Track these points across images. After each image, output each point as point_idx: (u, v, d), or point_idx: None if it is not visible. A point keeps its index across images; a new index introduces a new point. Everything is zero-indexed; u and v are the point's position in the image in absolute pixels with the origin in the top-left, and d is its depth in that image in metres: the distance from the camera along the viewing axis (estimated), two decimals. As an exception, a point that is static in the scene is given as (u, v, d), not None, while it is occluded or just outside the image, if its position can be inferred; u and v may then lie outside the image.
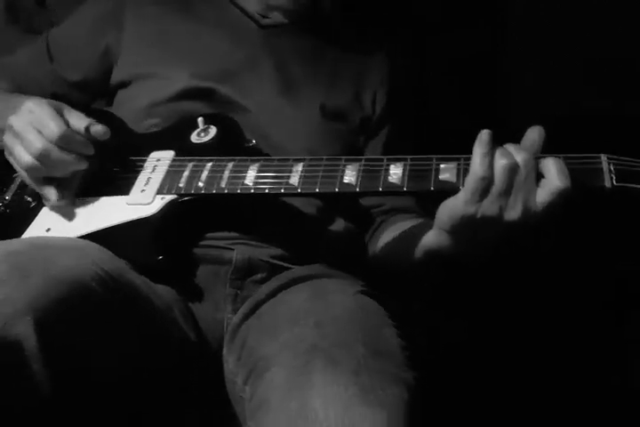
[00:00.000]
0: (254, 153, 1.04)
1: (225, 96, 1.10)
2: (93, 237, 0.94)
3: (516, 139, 0.88)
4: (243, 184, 0.94)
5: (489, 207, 0.80)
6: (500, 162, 0.80)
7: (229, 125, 1.06)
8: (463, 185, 0.83)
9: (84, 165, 0.97)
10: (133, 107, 1.13)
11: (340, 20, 1.30)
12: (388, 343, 0.84)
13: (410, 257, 1.01)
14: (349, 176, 0.90)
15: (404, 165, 0.89)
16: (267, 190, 0.92)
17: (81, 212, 1.00)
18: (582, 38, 1.59)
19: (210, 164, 0.98)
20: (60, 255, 0.79)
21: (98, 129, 0.96)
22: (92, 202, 1.00)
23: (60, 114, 0.96)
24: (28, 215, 1.02)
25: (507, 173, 0.79)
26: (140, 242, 0.94)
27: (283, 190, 0.92)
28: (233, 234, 1.01)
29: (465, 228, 0.85)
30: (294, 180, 0.92)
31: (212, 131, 1.05)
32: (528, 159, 0.80)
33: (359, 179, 0.89)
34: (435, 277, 1.14)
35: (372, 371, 0.75)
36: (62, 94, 1.21)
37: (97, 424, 0.79)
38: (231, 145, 1.04)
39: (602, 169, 0.80)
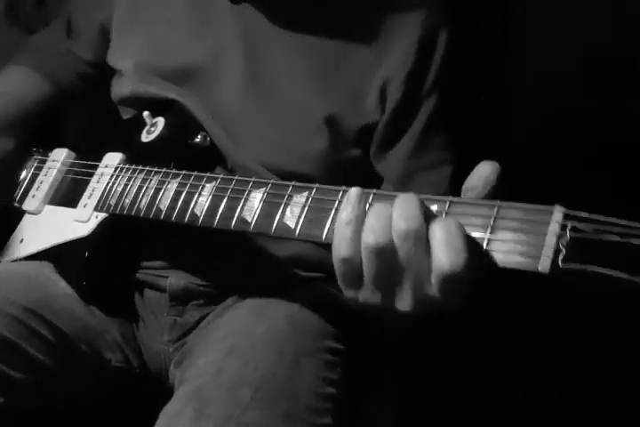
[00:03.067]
0: (201, 151, 0.88)
1: (175, 104, 0.91)
2: (44, 254, 0.92)
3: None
4: (157, 208, 0.80)
5: (368, 297, 0.56)
6: (365, 240, 0.54)
7: (178, 112, 0.91)
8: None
9: None
10: (112, 95, 1.02)
11: None
12: (297, 380, 0.70)
13: None
14: (249, 210, 0.70)
15: (306, 199, 0.65)
16: (173, 219, 0.77)
17: (46, 223, 0.96)
18: (584, 37, 1.49)
19: (141, 176, 0.85)
20: None
21: None
22: (55, 212, 0.96)
23: None
24: (11, 224, 1.02)
25: (375, 257, 0.53)
26: (72, 263, 0.89)
27: (186, 221, 0.76)
28: (167, 258, 0.89)
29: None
30: (199, 207, 0.75)
31: (160, 124, 0.91)
32: (411, 230, 0.52)
33: (256, 214, 0.69)
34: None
35: None
36: (85, 73, 1.12)
37: None
38: (178, 142, 0.89)
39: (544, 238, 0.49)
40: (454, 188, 0.84)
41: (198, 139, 0.89)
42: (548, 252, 0.48)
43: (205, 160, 0.90)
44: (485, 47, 1.52)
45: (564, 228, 0.48)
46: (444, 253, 0.50)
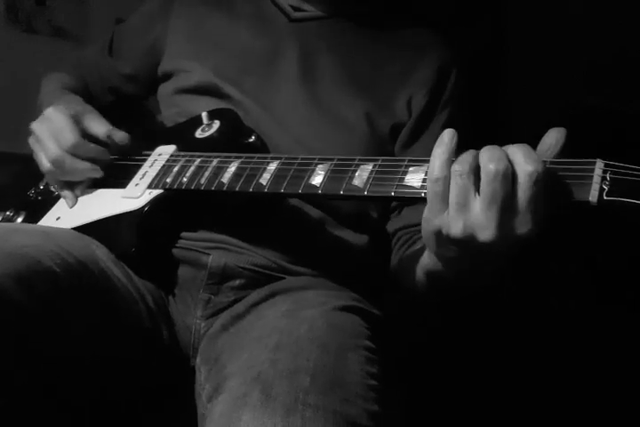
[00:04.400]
0: (253, 149, 0.99)
1: (233, 95, 1.07)
2: (88, 227, 0.97)
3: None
4: (219, 182, 0.89)
5: (452, 221, 0.67)
6: (455, 165, 0.67)
7: (232, 119, 1.03)
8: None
9: (97, 174, 1.00)
10: (162, 98, 1.15)
11: (384, 13, 1.19)
12: (345, 371, 0.75)
13: (414, 279, 0.92)
14: (317, 177, 0.81)
15: (374, 166, 0.78)
16: (237, 189, 0.87)
17: (85, 203, 1.02)
18: (582, 39, 1.53)
19: (199, 159, 0.95)
20: (19, 236, 0.82)
21: (118, 136, 1.01)
22: (97, 193, 1.02)
23: (79, 121, 1.00)
24: (51, 203, 1.08)
25: (463, 179, 0.66)
26: (121, 233, 0.94)
27: (251, 189, 0.86)
28: (214, 236, 0.97)
29: (440, 247, 0.73)
30: (264, 179, 0.86)
31: (215, 126, 1.03)
32: (499, 169, 0.64)
33: (325, 180, 0.80)
34: (440, 302, 1.00)
35: (308, 409, 0.67)
36: (118, 87, 1.25)
37: (60, 415, 0.80)
38: (231, 140, 1.01)
39: (591, 178, 0.63)
40: None
41: (252, 139, 1.01)
42: (595, 187, 0.62)
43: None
44: (486, 47, 1.61)
45: (605, 172, 0.63)
46: (525, 161, 0.64)
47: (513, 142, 0.69)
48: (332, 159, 0.83)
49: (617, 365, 1.43)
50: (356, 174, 0.78)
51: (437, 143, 0.70)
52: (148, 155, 1.03)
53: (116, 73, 1.25)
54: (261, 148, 1.01)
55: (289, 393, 0.68)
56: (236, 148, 0.97)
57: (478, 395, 1.36)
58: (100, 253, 0.92)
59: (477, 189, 0.66)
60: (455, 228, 0.67)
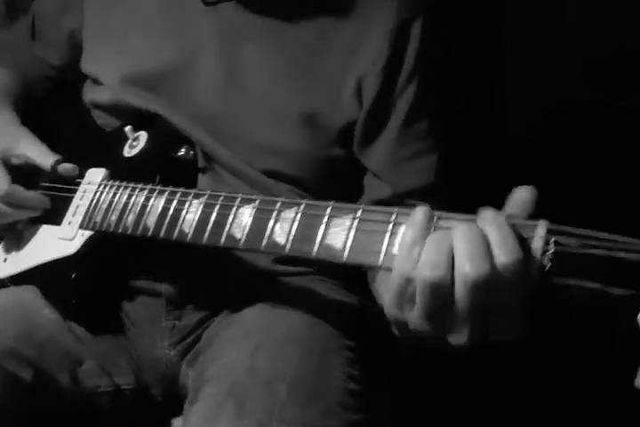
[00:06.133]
0: (185, 164, 0.89)
1: (149, 107, 0.92)
2: (28, 274, 0.92)
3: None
4: (144, 225, 0.79)
5: (418, 323, 0.55)
6: (421, 272, 0.52)
7: (160, 130, 0.91)
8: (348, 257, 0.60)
9: (28, 215, 0.92)
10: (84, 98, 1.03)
11: None
12: (326, 377, 0.73)
13: None
14: (238, 228, 0.71)
15: (295, 214, 0.67)
16: (161, 235, 0.78)
17: (29, 242, 0.95)
18: (580, 34, 1.51)
19: (127, 192, 0.85)
20: None
21: (65, 168, 0.91)
22: (38, 230, 0.95)
23: (8, 159, 0.91)
24: None
25: (429, 290, 0.52)
26: (58, 284, 0.88)
27: (174, 238, 0.76)
28: (160, 269, 0.89)
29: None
30: (187, 224, 0.75)
31: (142, 140, 0.91)
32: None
33: (246, 232, 0.70)
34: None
35: (283, 425, 0.65)
36: (53, 76, 1.11)
37: None
38: (162, 156, 0.90)
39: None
40: (442, 174, 0.89)
41: (182, 152, 0.90)
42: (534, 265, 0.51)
43: (191, 172, 0.91)
44: (482, 42, 1.53)
45: (548, 242, 0.51)
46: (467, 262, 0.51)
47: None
48: (253, 200, 0.71)
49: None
50: (277, 228, 0.67)
51: (409, 222, 0.55)
52: (79, 183, 0.94)
53: (47, 64, 1.11)
54: (192, 160, 0.90)
55: (264, 407, 0.67)
56: (169, 163, 0.88)
57: (477, 394, 1.33)
58: (38, 318, 0.88)
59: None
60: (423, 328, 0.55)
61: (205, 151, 0.91)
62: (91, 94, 0.99)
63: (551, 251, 0.50)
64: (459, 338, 0.53)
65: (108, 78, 0.95)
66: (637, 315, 0.47)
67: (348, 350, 0.78)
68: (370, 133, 0.88)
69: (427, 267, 0.52)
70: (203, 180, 0.90)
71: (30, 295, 0.90)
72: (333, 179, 0.89)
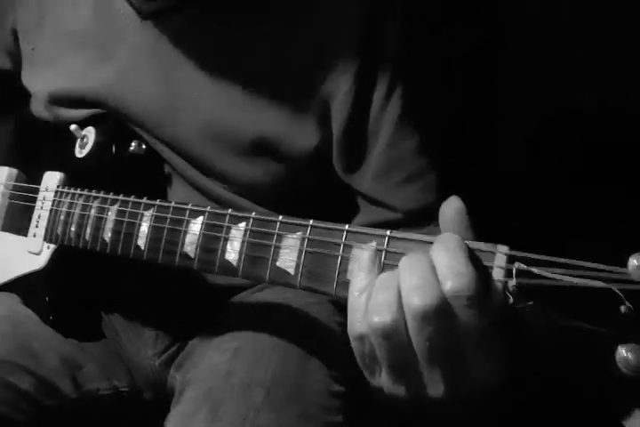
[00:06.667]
0: (139, 158, 0.83)
1: (102, 115, 0.85)
2: (10, 286, 0.89)
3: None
4: (102, 240, 0.74)
5: (389, 386, 0.48)
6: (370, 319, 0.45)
7: (107, 124, 0.84)
8: (300, 283, 0.54)
9: None
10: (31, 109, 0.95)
11: None
12: (307, 380, 0.70)
13: None
14: (190, 246, 0.65)
15: (245, 232, 0.60)
16: (119, 252, 0.73)
17: (3, 251, 0.92)
18: (580, 34, 1.50)
19: (81, 201, 0.79)
20: None
21: None
22: (8, 240, 0.91)
23: None
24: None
25: (382, 339, 0.46)
26: (34, 296, 0.85)
27: (132, 256, 0.71)
28: (133, 281, 0.85)
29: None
30: (141, 240, 0.70)
31: (91, 137, 0.84)
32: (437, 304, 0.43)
33: (198, 251, 0.64)
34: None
35: None
36: (7, 82, 1.04)
37: None
38: (113, 155, 0.83)
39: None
40: (443, 194, 0.79)
41: (133, 147, 0.84)
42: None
43: (145, 167, 0.86)
44: (482, 42, 1.52)
45: (508, 273, 0.44)
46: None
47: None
48: (202, 213, 0.65)
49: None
50: (227, 247, 0.61)
51: (358, 265, 0.48)
52: (37, 189, 0.89)
53: None
54: (143, 155, 0.84)
55: (238, 412, 0.65)
56: (121, 161, 0.83)
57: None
58: (30, 325, 0.85)
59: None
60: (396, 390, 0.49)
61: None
62: (37, 107, 0.93)
63: (513, 284, 0.43)
64: (436, 389, 0.46)
65: (39, 94, 0.89)
66: (614, 354, 0.41)
67: (332, 351, 0.74)
68: (350, 162, 0.77)
69: (374, 314, 0.45)
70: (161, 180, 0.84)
71: (12, 300, 0.88)
72: (317, 205, 0.72)
